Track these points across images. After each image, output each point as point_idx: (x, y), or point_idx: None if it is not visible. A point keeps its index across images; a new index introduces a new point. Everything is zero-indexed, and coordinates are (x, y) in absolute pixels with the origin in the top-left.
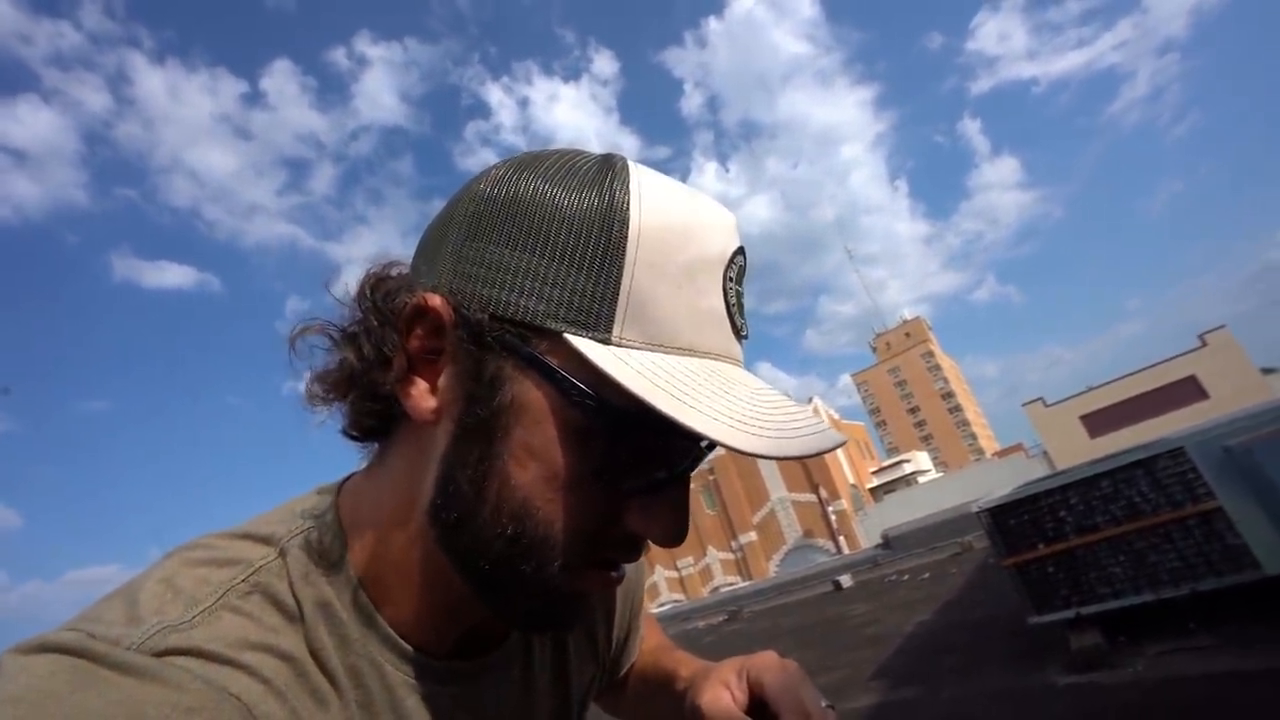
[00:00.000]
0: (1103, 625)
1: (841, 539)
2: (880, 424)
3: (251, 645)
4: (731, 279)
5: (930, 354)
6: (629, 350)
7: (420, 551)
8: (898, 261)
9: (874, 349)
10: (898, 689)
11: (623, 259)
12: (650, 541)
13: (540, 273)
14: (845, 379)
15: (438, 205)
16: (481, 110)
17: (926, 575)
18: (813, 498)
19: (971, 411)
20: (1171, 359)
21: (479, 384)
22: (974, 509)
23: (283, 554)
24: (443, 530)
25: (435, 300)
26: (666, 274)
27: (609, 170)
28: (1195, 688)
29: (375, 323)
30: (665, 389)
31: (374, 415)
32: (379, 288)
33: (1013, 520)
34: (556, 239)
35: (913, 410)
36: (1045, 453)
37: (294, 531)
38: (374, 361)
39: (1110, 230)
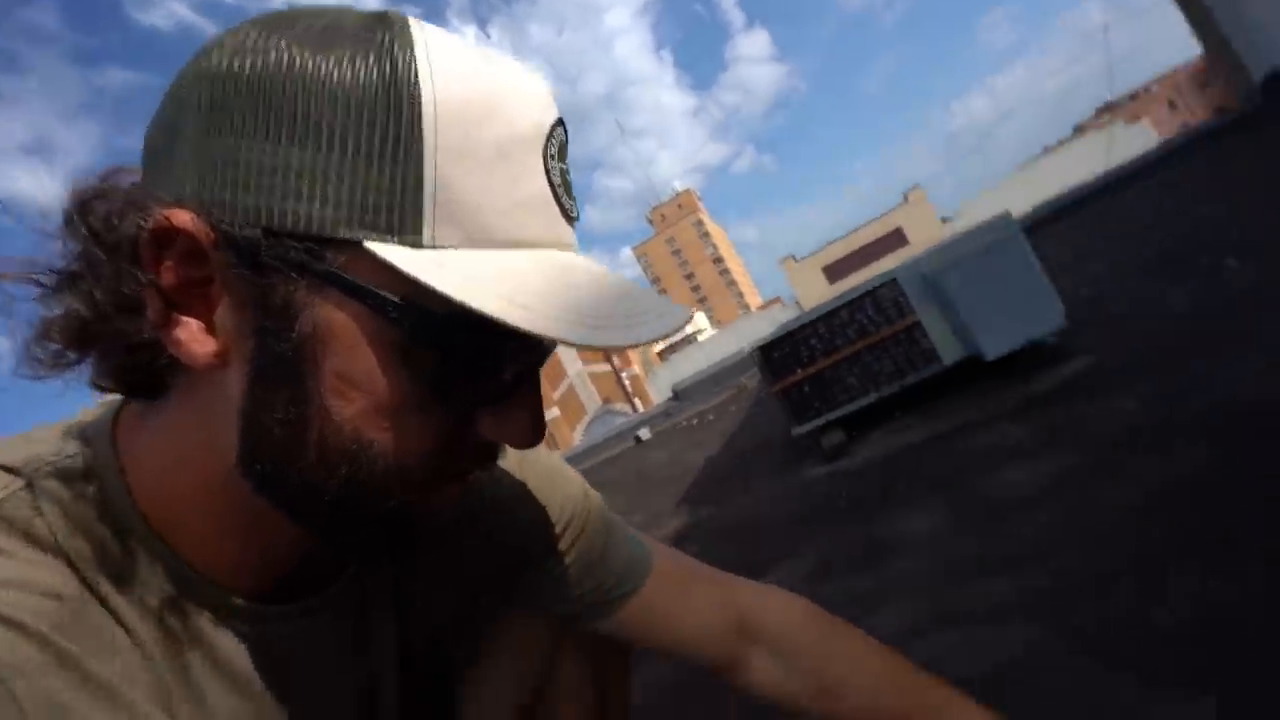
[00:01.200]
0: (844, 425)
1: (637, 400)
2: (662, 291)
3: (2, 584)
4: (553, 155)
5: (700, 222)
6: (445, 252)
7: (228, 500)
8: (667, 134)
9: (651, 222)
10: (696, 510)
11: (420, 144)
12: (509, 445)
13: (318, 170)
14: (626, 252)
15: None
16: None
17: (712, 417)
18: (607, 367)
19: (738, 272)
20: (884, 215)
21: (268, 314)
22: (746, 350)
23: (30, 486)
24: (260, 481)
25: (183, 218)
26: (476, 158)
27: (385, 31)
28: (902, 458)
29: (101, 256)
30: (496, 293)
31: (134, 370)
32: (92, 210)
33: (776, 354)
34: (333, 124)
35: (689, 276)
36: (797, 301)
37: (43, 462)
38: (113, 306)
39: (843, 102)
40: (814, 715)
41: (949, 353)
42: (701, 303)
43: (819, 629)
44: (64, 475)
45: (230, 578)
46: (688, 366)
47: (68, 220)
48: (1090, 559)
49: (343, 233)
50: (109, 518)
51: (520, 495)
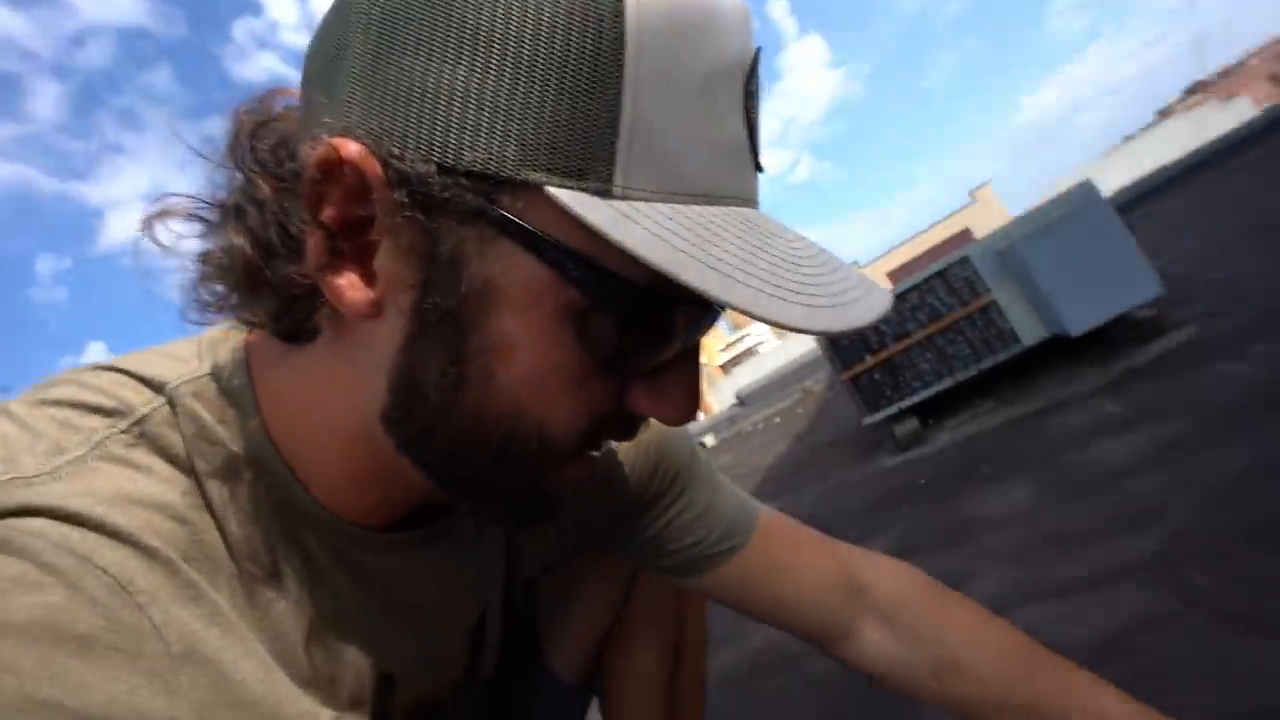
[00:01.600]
0: (918, 412)
1: (700, 414)
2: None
3: (136, 501)
4: (752, 93)
5: None
6: (636, 204)
7: (365, 451)
8: None
9: None
10: (769, 503)
11: (620, 73)
12: (660, 421)
13: (503, 100)
14: None
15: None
16: (250, 6)
17: (778, 420)
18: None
19: None
20: (950, 216)
21: (434, 263)
22: (811, 352)
23: (172, 403)
24: (404, 440)
25: (351, 149)
26: (680, 92)
27: None
28: (982, 441)
29: (267, 189)
30: (692, 254)
31: (289, 313)
32: (260, 137)
33: (844, 340)
34: (520, 45)
35: None
36: None
37: (184, 381)
38: (276, 245)
39: (904, 104)
40: (927, 690)
41: (1029, 332)
42: None
43: (936, 598)
44: (204, 398)
45: (352, 511)
46: (751, 378)
47: (233, 148)
48: (1205, 521)
49: (524, 174)
50: (245, 447)
51: (631, 449)
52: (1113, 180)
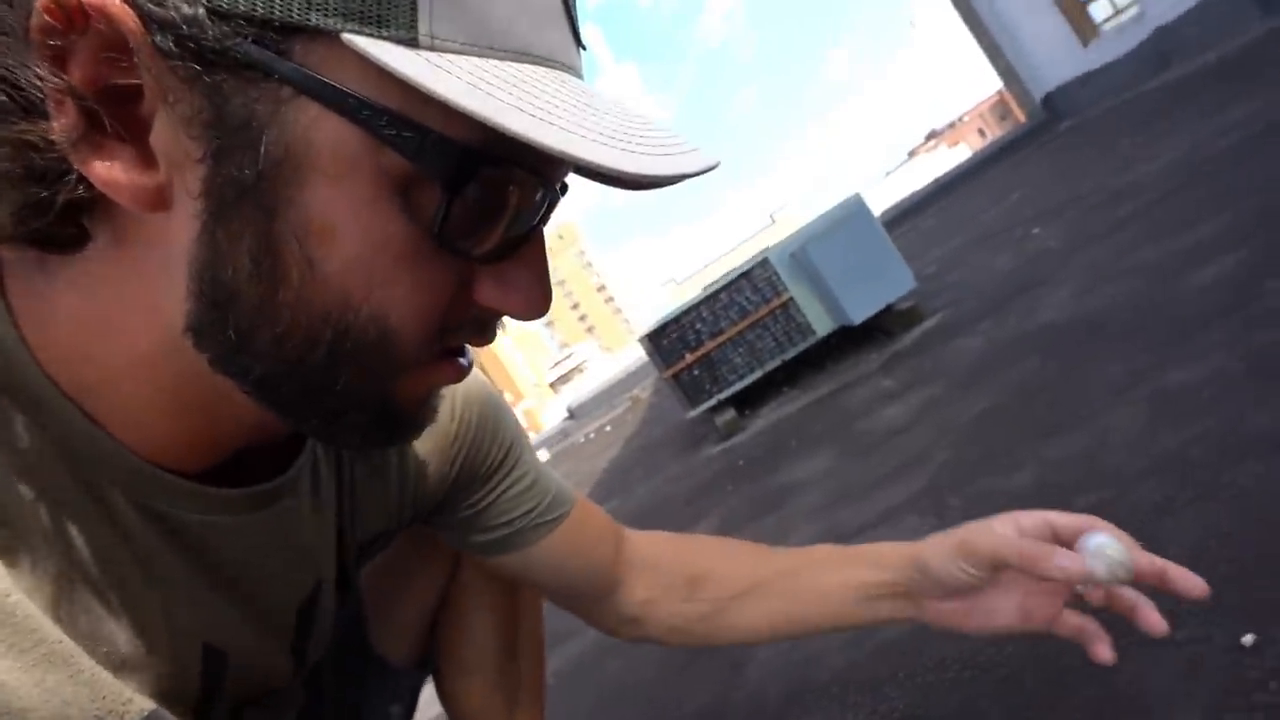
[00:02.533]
0: (735, 403)
1: (531, 433)
2: (549, 324)
3: None
4: None
5: (582, 253)
6: (447, 55)
7: (170, 374)
8: None
9: None
10: (602, 504)
11: None
12: (510, 315)
13: None
14: None
15: None
16: None
17: (609, 429)
18: (512, 417)
19: (623, 298)
20: (754, 235)
21: (223, 132)
22: (636, 339)
23: None
24: (219, 354)
25: None
26: None
27: None
28: (790, 421)
29: None
30: (515, 105)
31: (36, 217)
32: None
33: (665, 340)
34: None
35: (575, 306)
36: None
37: None
38: (14, 113)
39: (711, 131)
40: (682, 615)
41: (821, 325)
42: (590, 331)
43: (679, 539)
44: None
45: (162, 456)
46: (581, 393)
47: None
48: (957, 454)
49: (315, 19)
50: (6, 382)
51: (469, 417)
52: (880, 204)
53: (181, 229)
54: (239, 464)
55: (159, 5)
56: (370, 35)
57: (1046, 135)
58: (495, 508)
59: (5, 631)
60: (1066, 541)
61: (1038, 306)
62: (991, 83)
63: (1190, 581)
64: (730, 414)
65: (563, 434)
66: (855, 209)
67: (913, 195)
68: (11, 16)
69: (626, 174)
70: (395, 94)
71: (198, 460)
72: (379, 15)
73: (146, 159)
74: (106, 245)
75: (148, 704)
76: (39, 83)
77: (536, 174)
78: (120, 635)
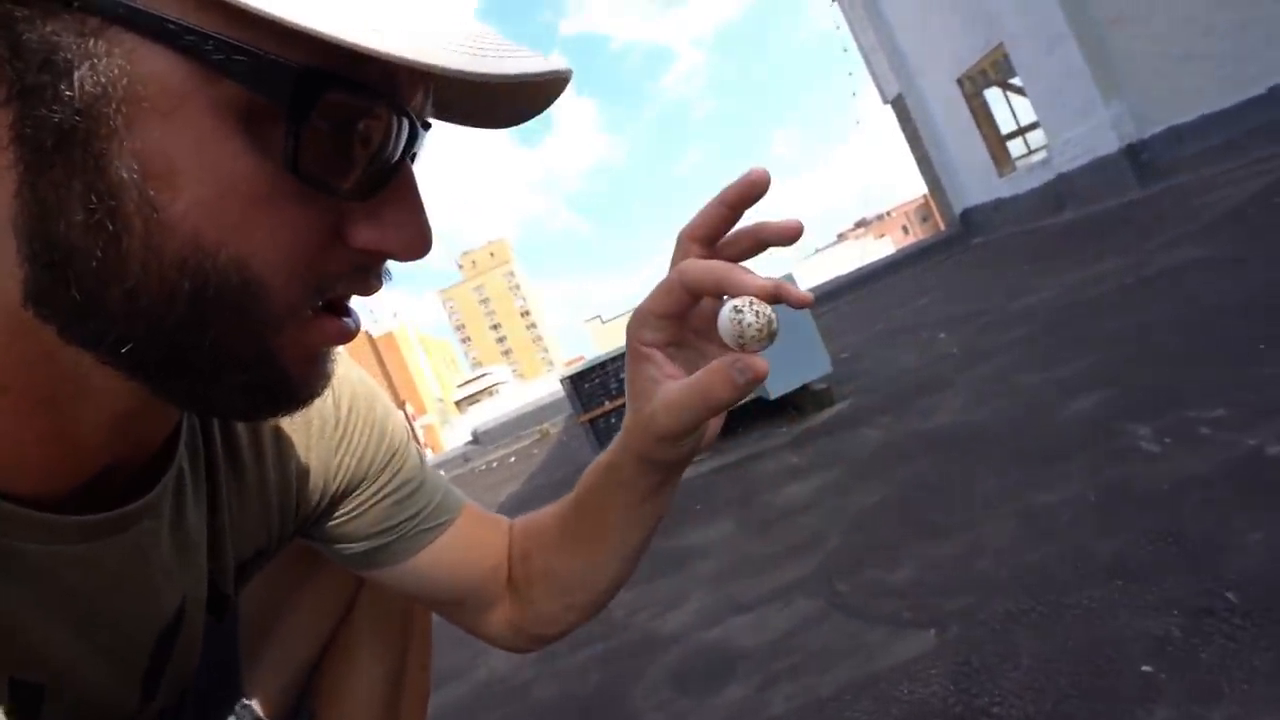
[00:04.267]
0: None
1: (428, 450)
2: (465, 340)
3: None
4: None
5: (512, 273)
6: None
7: (20, 358)
8: (484, 179)
9: (460, 266)
10: None
11: None
12: (393, 257)
13: None
14: (431, 294)
15: None
16: None
17: (513, 460)
18: (399, 415)
19: (545, 328)
20: None
21: (23, 70)
22: (551, 370)
23: None
24: (66, 320)
25: None
26: None
27: None
28: (698, 484)
29: None
30: (347, 16)
31: None
32: None
33: (587, 384)
34: None
35: (495, 327)
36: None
37: None
38: None
39: (655, 181)
40: (534, 598)
41: (773, 387)
42: (506, 355)
43: (521, 526)
44: None
45: (19, 481)
46: (488, 417)
47: None
48: (848, 541)
49: None
50: None
51: (356, 418)
52: (807, 280)
53: (2, 183)
54: (107, 483)
55: None
56: None
57: (960, 246)
58: (377, 510)
59: None
60: (706, 309)
61: (934, 409)
62: (919, 188)
63: (798, 294)
64: None
65: (463, 458)
66: None
67: (836, 279)
68: None
69: (470, 74)
70: (218, 17)
71: (54, 482)
72: None
73: None
74: None
75: None
76: None
77: (385, 96)
78: None
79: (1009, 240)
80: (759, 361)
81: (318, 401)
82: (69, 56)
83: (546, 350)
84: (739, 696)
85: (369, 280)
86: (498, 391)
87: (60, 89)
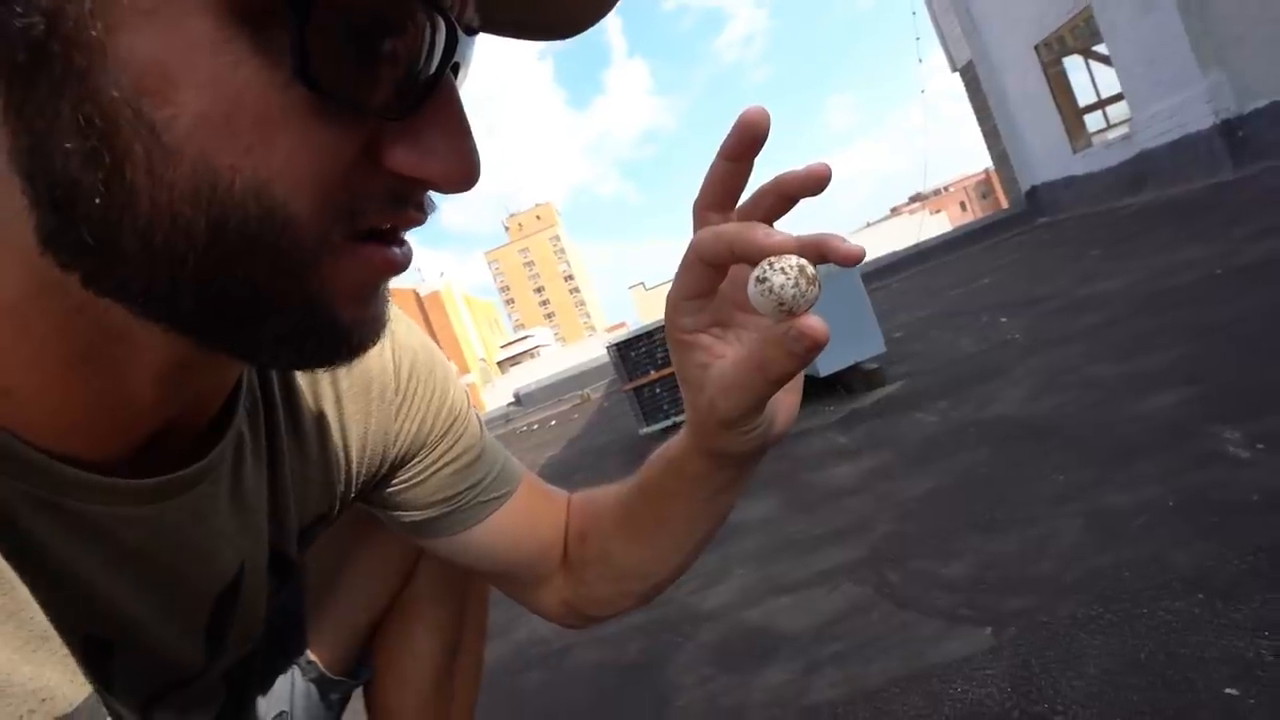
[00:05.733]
0: None
1: (473, 410)
2: (509, 301)
3: None
4: None
5: (557, 238)
6: None
7: (53, 317)
8: (535, 142)
9: (507, 228)
10: None
11: None
12: (434, 186)
13: None
14: (478, 255)
15: None
16: None
17: (554, 423)
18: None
19: (589, 293)
20: None
21: None
22: (597, 358)
23: None
24: (87, 269)
25: None
26: None
27: None
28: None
29: None
30: None
31: None
32: None
33: (633, 352)
34: None
35: (539, 290)
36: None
37: None
38: None
39: (707, 146)
40: (588, 580)
41: (823, 365)
42: (549, 318)
43: (580, 504)
44: None
45: (67, 444)
46: (530, 379)
47: None
48: (899, 529)
49: None
50: None
51: (417, 384)
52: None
53: None
54: (161, 450)
55: None
56: None
57: (1023, 226)
58: (437, 479)
59: None
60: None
61: (994, 397)
62: (981, 162)
63: (844, 246)
64: None
65: (505, 419)
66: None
67: (890, 255)
68: None
69: None
70: None
71: (108, 445)
72: None
73: None
74: None
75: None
76: None
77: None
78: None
79: (1079, 220)
80: (813, 322)
81: (378, 367)
82: None
83: (589, 315)
84: (781, 679)
85: (408, 205)
86: (539, 354)
87: (40, 8)
